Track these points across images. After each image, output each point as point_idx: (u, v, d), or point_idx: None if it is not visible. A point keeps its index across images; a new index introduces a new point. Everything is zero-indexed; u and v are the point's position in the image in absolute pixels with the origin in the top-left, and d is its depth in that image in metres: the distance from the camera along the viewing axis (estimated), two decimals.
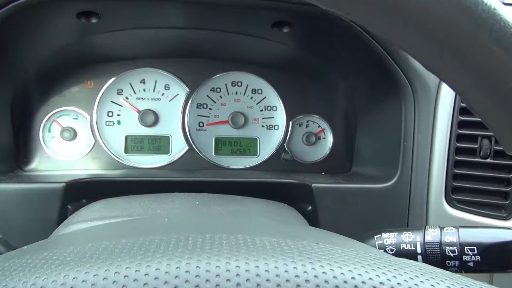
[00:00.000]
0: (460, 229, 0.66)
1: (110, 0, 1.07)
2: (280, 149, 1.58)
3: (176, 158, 1.54)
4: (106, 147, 1.52)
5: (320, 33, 1.20)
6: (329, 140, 1.59)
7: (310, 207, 1.22)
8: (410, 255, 0.68)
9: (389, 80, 1.16)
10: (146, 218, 0.82)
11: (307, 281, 0.33)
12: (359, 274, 0.34)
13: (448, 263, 0.64)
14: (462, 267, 0.64)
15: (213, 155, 1.56)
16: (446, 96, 1.14)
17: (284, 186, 1.27)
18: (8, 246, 0.68)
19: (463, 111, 1.07)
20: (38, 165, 1.46)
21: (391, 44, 1.06)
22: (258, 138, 1.58)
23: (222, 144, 1.57)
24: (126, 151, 1.52)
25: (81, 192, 1.16)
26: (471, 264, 0.63)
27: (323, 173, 1.54)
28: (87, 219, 0.88)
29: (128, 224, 0.59)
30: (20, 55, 1.27)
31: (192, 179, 1.29)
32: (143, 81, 1.55)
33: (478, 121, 1.05)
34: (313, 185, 1.20)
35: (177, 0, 1.10)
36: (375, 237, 0.74)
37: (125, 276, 0.34)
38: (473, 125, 1.06)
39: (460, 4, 0.33)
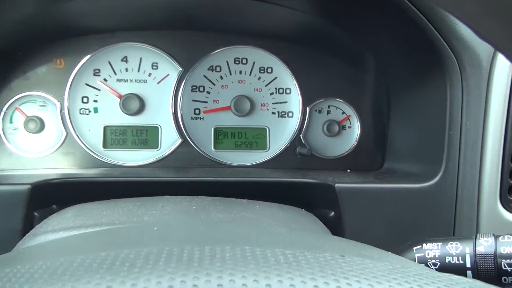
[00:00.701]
0: None
1: None
2: (295, 141, 1.58)
3: (166, 153, 1.55)
4: (81, 140, 1.53)
5: None
6: (356, 129, 1.59)
7: (332, 213, 1.23)
8: (458, 270, 0.68)
9: (431, 54, 1.16)
10: (130, 226, 0.83)
11: None
12: None
13: (505, 280, 0.65)
14: None
15: (212, 149, 1.56)
16: (501, 74, 1.12)
17: (300, 187, 1.28)
18: None
19: None
20: None
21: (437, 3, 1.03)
22: (267, 128, 1.58)
23: (223, 136, 1.58)
24: (105, 145, 1.53)
25: (51, 196, 1.17)
26: None
27: (348, 170, 1.54)
28: (58, 229, 0.88)
29: (108, 234, 0.60)
30: None
31: (186, 179, 1.30)
32: (125, 59, 1.55)
33: None
34: (336, 185, 1.20)
35: None
36: (414, 248, 0.73)
37: None
38: None
39: None
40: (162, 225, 0.70)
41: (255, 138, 1.58)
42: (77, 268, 0.38)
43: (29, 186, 1.11)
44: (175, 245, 0.43)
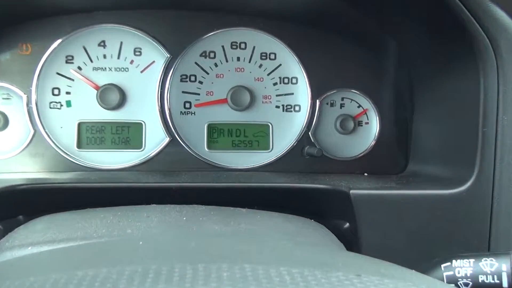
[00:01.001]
0: None
1: None
2: (303, 140, 1.59)
3: (152, 154, 1.56)
4: (51, 139, 1.53)
5: None
6: (374, 126, 1.60)
7: (347, 224, 1.24)
8: None
9: (463, 38, 1.16)
10: (111, 241, 0.82)
11: None
12: None
13: None
14: None
15: (206, 149, 1.58)
16: None
17: (309, 194, 1.27)
18: None
19: None
20: None
21: None
22: (270, 125, 1.59)
23: (218, 134, 1.58)
24: (79, 145, 1.54)
25: (16, 205, 1.18)
26: None
27: (365, 174, 1.56)
28: (27, 243, 0.88)
29: (85, 249, 0.60)
30: None
31: (175, 184, 1.29)
32: (102, 44, 1.56)
33: None
34: (351, 192, 1.19)
35: None
36: (443, 266, 0.73)
37: None
38: None
39: None
40: (148, 239, 0.71)
41: (255, 136, 1.60)
42: None
43: None
44: (163, 263, 0.43)
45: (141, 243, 0.60)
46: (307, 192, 1.29)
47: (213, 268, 0.42)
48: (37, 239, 0.90)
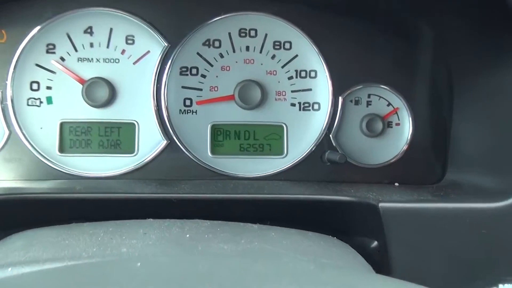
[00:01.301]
0: None
1: None
2: (323, 144, 1.58)
3: (146, 160, 1.56)
4: (29, 142, 1.53)
5: None
6: (406, 127, 1.60)
7: (375, 243, 1.23)
8: None
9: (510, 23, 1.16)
10: (104, 262, 0.82)
11: None
12: None
13: None
14: None
15: (209, 155, 1.58)
16: None
17: (331, 207, 1.27)
18: None
19: None
20: None
21: None
22: (285, 126, 1.60)
23: (223, 136, 1.59)
24: (61, 149, 1.55)
25: None
26: None
27: (396, 184, 1.55)
28: (6, 264, 0.85)
29: (76, 271, 0.60)
30: None
31: (175, 195, 1.28)
32: (89, 31, 1.56)
33: None
34: (380, 204, 1.18)
35: None
36: None
37: None
38: None
39: None
40: (148, 260, 0.71)
41: (267, 139, 1.60)
42: None
43: None
44: None
45: (139, 264, 0.60)
46: (328, 205, 1.28)
47: None
48: (17, 258, 0.90)
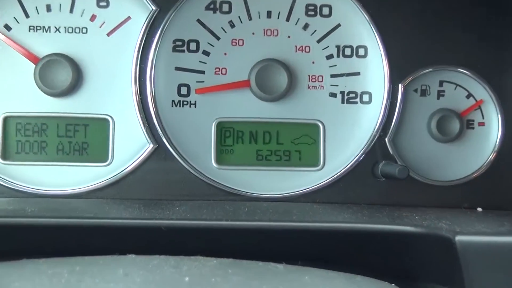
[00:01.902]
0: None
1: None
2: (375, 150, 1.34)
3: (125, 171, 1.33)
4: None
5: None
6: (494, 129, 1.36)
7: None
8: None
9: None
10: None
11: None
12: None
13: None
14: None
15: (214, 164, 1.34)
16: None
17: (387, 240, 1.06)
18: None
19: None
20: None
21: None
22: (321, 124, 1.35)
23: (234, 139, 1.35)
24: (5, 155, 1.30)
25: None
26: None
27: (479, 209, 1.32)
28: None
29: None
30: None
31: (166, 222, 1.07)
32: None
33: None
34: (457, 238, 0.96)
35: None
36: None
37: None
38: None
39: None
40: None
41: (296, 144, 1.34)
42: None
43: None
44: None
45: None
46: (383, 237, 1.07)
47: None
48: None
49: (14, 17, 1.31)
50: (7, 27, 1.31)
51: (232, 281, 0.83)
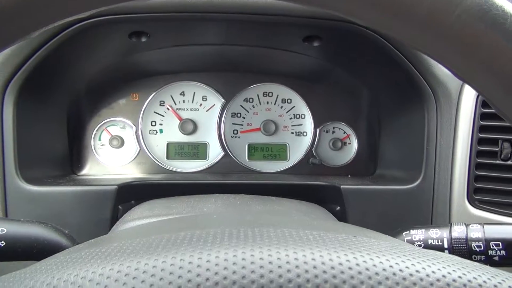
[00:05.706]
0: (486, 226, 0.65)
1: (160, 21, 1.04)
2: (309, 154, 1.52)
3: (213, 163, 1.50)
4: (150, 153, 1.50)
5: (348, 47, 1.19)
6: (354, 145, 1.53)
7: (338, 208, 1.20)
8: (438, 249, 0.65)
9: (413, 88, 1.14)
10: (195, 215, 0.81)
11: (349, 268, 0.33)
12: (397, 263, 0.34)
13: (474, 257, 0.63)
14: (488, 261, 0.63)
15: (247, 160, 1.51)
16: (467, 102, 1.07)
17: (314, 188, 1.23)
18: (73, 241, 0.69)
19: (484, 116, 1.04)
20: (90, 170, 1.42)
21: (412, 48, 1.02)
22: (288, 144, 1.53)
23: (254, 150, 1.52)
24: (168, 157, 1.49)
25: (131, 194, 1.16)
26: (496, 258, 0.62)
27: (349, 176, 1.48)
28: (142, 217, 0.88)
29: (181, 220, 0.59)
30: (74, 73, 1.24)
31: (228, 181, 1.28)
32: (182, 93, 1.53)
33: (499, 125, 1.05)
34: (341, 187, 1.16)
35: (216, 19, 1.09)
36: (404, 233, 0.71)
37: (189, 262, 0.35)
38: (494, 129, 1.03)
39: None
40: (218, 214, 0.68)
41: (278, 151, 1.52)
42: (166, 243, 0.39)
43: (116, 186, 1.11)
44: (232, 227, 0.43)
45: (215, 216, 0.59)
46: (312, 187, 1.26)
47: (264, 231, 0.42)
48: (147, 214, 0.91)
49: (170, 105, 1.50)
50: (168, 108, 1.49)
51: (256, 203, 0.96)
